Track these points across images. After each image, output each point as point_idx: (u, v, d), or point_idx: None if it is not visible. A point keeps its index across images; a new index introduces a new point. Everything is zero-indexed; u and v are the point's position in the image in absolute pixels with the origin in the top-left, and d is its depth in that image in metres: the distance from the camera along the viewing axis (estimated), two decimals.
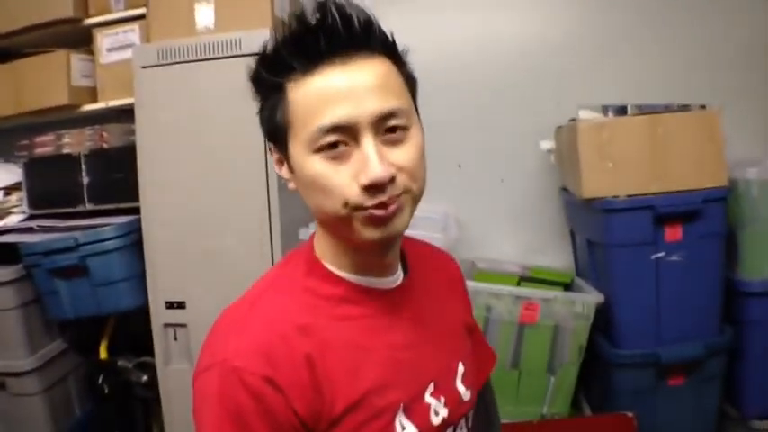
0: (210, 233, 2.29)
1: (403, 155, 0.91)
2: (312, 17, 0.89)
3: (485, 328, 2.23)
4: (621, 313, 2.29)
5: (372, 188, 0.88)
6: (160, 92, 2.32)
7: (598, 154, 2.21)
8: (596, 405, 2.42)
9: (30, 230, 2.52)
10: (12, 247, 2.44)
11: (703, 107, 2.34)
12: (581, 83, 2.76)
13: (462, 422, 1.11)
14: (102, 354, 2.59)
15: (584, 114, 2.41)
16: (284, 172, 1.00)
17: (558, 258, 2.80)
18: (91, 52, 2.60)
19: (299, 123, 0.91)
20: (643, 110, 2.38)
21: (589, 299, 2.28)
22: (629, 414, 2.14)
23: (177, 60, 2.29)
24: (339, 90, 0.88)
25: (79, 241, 2.34)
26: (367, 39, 0.91)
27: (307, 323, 0.94)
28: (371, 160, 0.87)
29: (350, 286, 1.01)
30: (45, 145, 2.58)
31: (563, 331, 2.27)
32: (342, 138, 0.88)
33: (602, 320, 2.32)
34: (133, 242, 2.40)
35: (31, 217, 2.62)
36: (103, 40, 2.54)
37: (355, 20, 0.90)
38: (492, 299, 2.26)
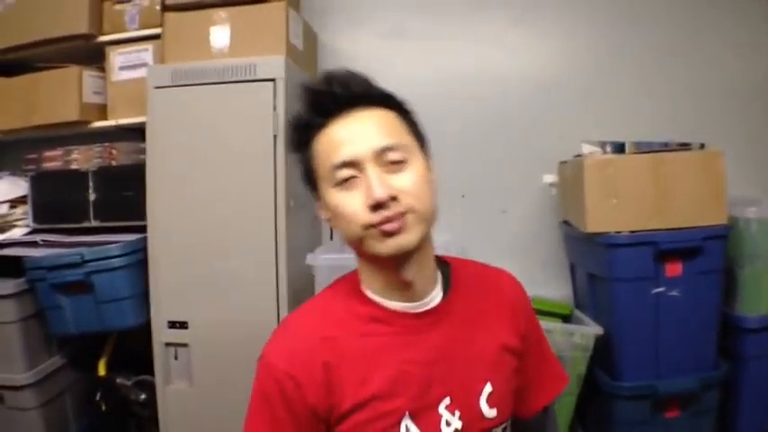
0: (216, 255, 2.31)
1: (402, 180, 1.11)
2: (319, 86, 1.16)
3: None
4: (620, 346, 2.30)
5: (377, 207, 1.08)
6: (172, 112, 2.34)
7: (603, 190, 2.23)
8: None
9: (33, 244, 2.50)
10: (14, 260, 2.42)
11: (702, 146, 2.37)
12: (582, 118, 2.81)
13: None
14: (101, 370, 2.57)
15: (586, 149, 2.44)
16: (323, 213, 1.22)
17: (557, 290, 2.80)
18: (103, 69, 2.61)
19: (322, 166, 1.15)
20: (641, 147, 2.40)
21: (588, 330, 2.29)
22: None
23: (191, 82, 2.32)
24: (345, 135, 1.13)
25: (85, 257, 2.33)
26: (365, 96, 1.16)
27: (331, 335, 1.18)
28: (373, 184, 1.08)
29: (379, 308, 1.21)
30: (53, 159, 2.58)
31: (562, 362, 2.23)
32: (351, 172, 1.11)
33: (601, 353, 2.33)
34: (138, 260, 2.40)
35: (35, 231, 2.61)
36: (116, 58, 2.56)
37: (353, 85, 1.15)
38: None
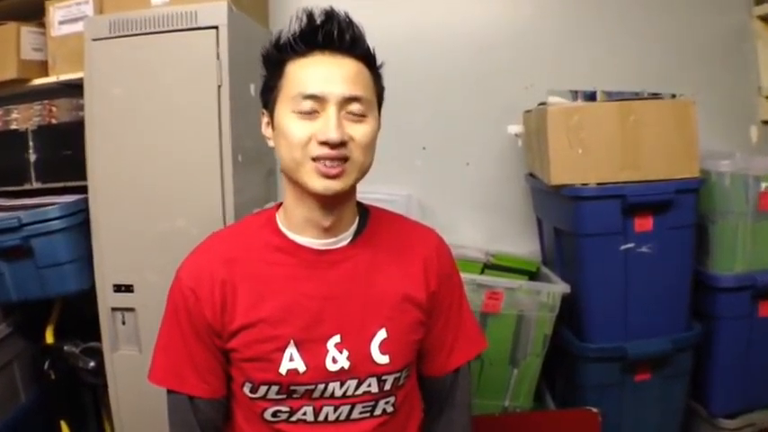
0: (161, 214, 2.13)
1: (357, 130, 1.17)
2: (318, 18, 1.18)
3: None
4: (588, 305, 2.16)
5: (325, 144, 1.12)
6: (111, 66, 2.14)
7: (567, 140, 2.07)
8: (560, 399, 2.30)
9: None
10: None
11: (674, 96, 2.21)
12: (552, 67, 2.64)
13: (373, 381, 1.25)
14: (49, 338, 2.40)
15: (553, 100, 2.27)
16: (269, 132, 1.26)
17: (523, 246, 2.66)
18: (43, 25, 2.41)
19: (288, 88, 1.18)
20: (613, 97, 2.24)
21: (555, 289, 2.14)
22: (594, 410, 2.01)
23: (130, 33, 2.12)
24: (321, 71, 1.17)
25: (23, 221, 2.15)
26: (352, 47, 1.18)
27: (234, 257, 1.25)
28: (330, 123, 1.12)
29: (287, 240, 1.26)
30: None
31: (527, 322, 2.14)
32: (314, 105, 1.14)
33: (568, 312, 2.19)
34: (80, 222, 2.21)
35: None
36: (56, 12, 2.35)
37: (348, 32, 1.18)
38: None
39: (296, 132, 1.14)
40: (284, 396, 1.23)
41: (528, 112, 2.41)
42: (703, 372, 2.25)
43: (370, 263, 1.28)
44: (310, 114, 1.14)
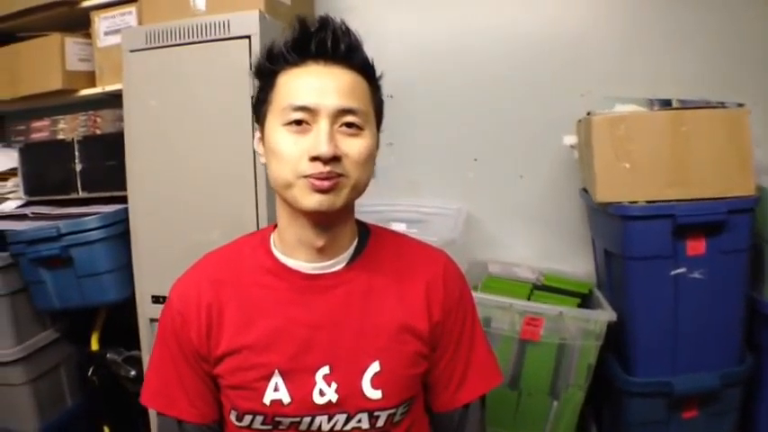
0: (196, 225, 2.06)
1: (351, 145, 1.09)
2: (312, 25, 1.10)
3: None
4: (634, 335, 1.96)
5: (316, 160, 1.05)
6: (148, 77, 2.10)
7: (614, 152, 1.89)
8: None
9: (24, 217, 2.36)
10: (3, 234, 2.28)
11: (723, 105, 2.00)
12: (610, 73, 2.42)
13: (364, 417, 1.17)
14: (94, 345, 2.42)
15: (622, 108, 2.07)
16: (260, 148, 1.18)
17: (578, 265, 2.45)
18: (89, 36, 2.41)
19: (278, 101, 1.10)
20: (687, 105, 2.03)
21: (599, 317, 1.96)
22: None
23: (165, 44, 2.07)
24: (314, 82, 1.09)
25: (62, 231, 2.15)
26: (348, 57, 1.11)
27: (222, 279, 1.20)
28: (321, 138, 1.05)
29: (278, 263, 1.20)
30: (41, 130, 2.43)
31: (570, 350, 1.97)
32: (305, 117, 1.07)
33: (615, 340, 2.01)
34: (120, 233, 2.20)
35: (28, 204, 2.46)
36: (101, 22, 2.34)
37: (343, 41, 1.10)
38: (492, 310, 1.98)
39: (286, 148, 1.07)
40: (269, 427, 1.17)
41: (579, 121, 2.22)
42: (752, 408, 2.03)
43: (366, 288, 1.20)
44: (301, 128, 1.07)
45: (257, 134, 1.19)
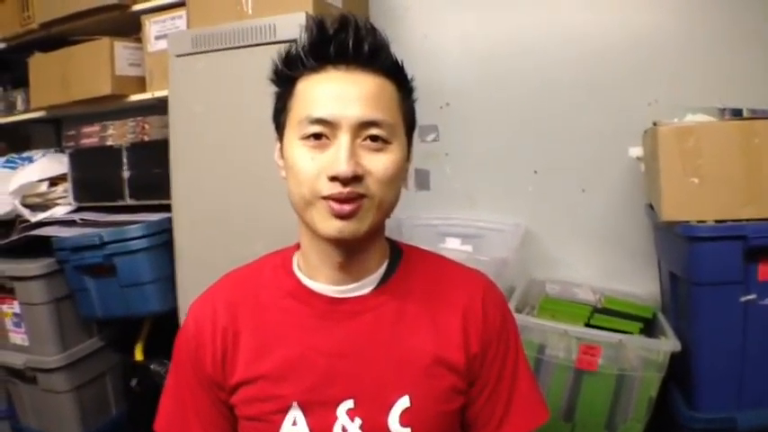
0: (239, 237, 1.96)
1: (376, 162, 0.96)
2: (331, 27, 0.97)
3: (536, 370, 1.77)
4: (699, 366, 1.73)
5: (335, 180, 0.93)
6: (193, 82, 2.03)
7: (682, 167, 1.67)
8: None
9: (72, 223, 2.30)
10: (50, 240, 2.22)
11: None
12: (680, 80, 2.17)
13: None
14: (138, 356, 2.34)
15: (694, 119, 1.89)
16: (281, 160, 1.06)
17: (642, 285, 2.22)
18: (140, 40, 2.34)
19: (295, 111, 0.99)
20: (758, 115, 1.83)
21: (662, 347, 1.74)
22: None
23: (211, 48, 1.99)
24: (333, 91, 0.96)
25: (104, 239, 2.08)
26: (372, 60, 0.98)
27: (240, 302, 1.09)
28: (341, 155, 0.93)
29: (300, 285, 1.08)
30: (90, 136, 2.36)
31: (629, 381, 1.76)
32: (324, 131, 0.95)
33: (680, 370, 1.79)
34: (163, 242, 2.12)
35: (78, 209, 2.40)
36: (152, 27, 2.27)
37: (366, 42, 0.97)
38: (547, 336, 1.80)
39: (303, 165, 0.95)
40: None
41: (646, 132, 2.00)
42: None
43: (396, 315, 1.06)
44: (319, 143, 0.95)
45: (277, 145, 1.08)
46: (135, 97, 2.35)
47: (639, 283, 2.24)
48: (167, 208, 2.18)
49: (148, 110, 2.39)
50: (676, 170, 1.68)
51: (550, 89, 2.33)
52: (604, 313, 2.02)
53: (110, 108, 2.42)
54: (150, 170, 2.26)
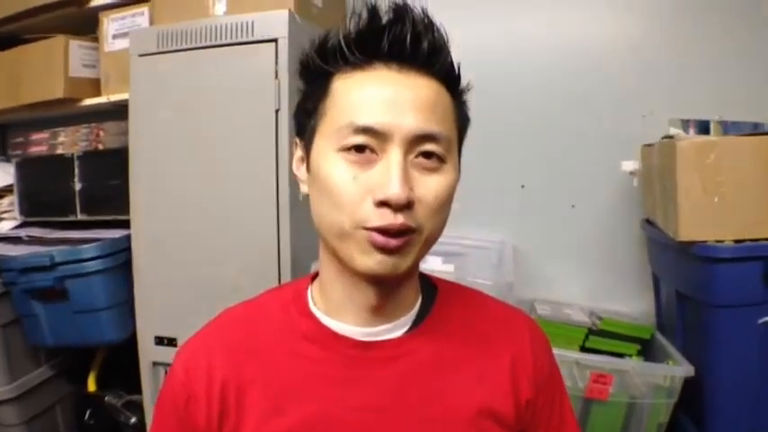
0: (209, 259, 1.73)
1: (428, 185, 0.77)
2: (385, 15, 0.78)
3: None
4: (713, 390, 1.59)
5: (385, 206, 0.73)
6: (159, 85, 1.77)
7: (702, 184, 1.51)
8: None
9: (18, 240, 2.01)
10: None
11: None
12: (674, 93, 2.05)
13: None
14: (91, 387, 2.06)
15: (673, 130, 1.77)
16: (302, 172, 0.87)
17: (634, 304, 2.08)
18: (97, 39, 2.06)
19: (333, 115, 0.78)
20: (727, 128, 1.75)
21: (676, 372, 1.59)
22: None
23: (179, 48, 1.74)
24: (384, 94, 0.76)
25: (55, 260, 1.80)
26: (429, 61, 0.78)
27: (244, 347, 0.87)
28: (393, 176, 0.73)
29: (320, 326, 0.87)
30: (40, 143, 2.08)
31: (639, 408, 1.61)
32: (371, 143, 0.75)
33: (689, 394, 1.64)
34: (121, 263, 1.85)
35: (24, 224, 2.11)
36: (110, 24, 2.00)
37: (427, 38, 0.78)
38: None
39: (343, 185, 0.75)
40: None
41: (648, 146, 1.85)
42: None
43: (435, 360, 0.87)
44: (363, 157, 0.75)
45: (298, 152, 0.87)
46: (89, 101, 2.06)
47: (632, 303, 2.10)
48: (124, 224, 1.92)
49: (103, 115, 2.12)
50: (696, 188, 1.51)
51: (540, 101, 2.18)
52: (600, 335, 1.87)
53: (61, 113, 2.13)
54: (105, 182, 1.99)
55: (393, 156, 0.74)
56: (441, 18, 0.79)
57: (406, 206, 0.74)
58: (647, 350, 1.87)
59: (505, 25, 2.20)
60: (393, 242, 0.74)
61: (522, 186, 2.21)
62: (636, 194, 2.05)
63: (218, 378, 0.84)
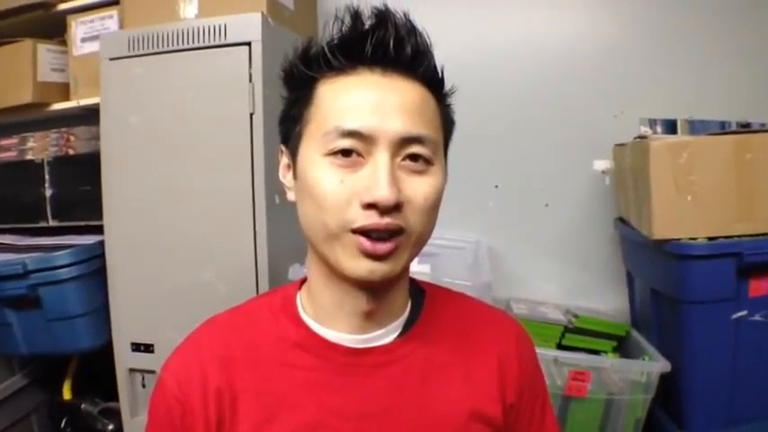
0: (184, 264, 1.67)
1: (416, 187, 0.76)
2: (368, 20, 0.77)
3: None
4: (689, 385, 1.63)
5: (372, 208, 0.72)
6: (130, 89, 1.71)
7: (675, 183, 1.52)
8: None
9: None
10: None
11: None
12: (646, 93, 2.06)
13: None
14: (66, 394, 1.99)
15: (644, 129, 1.78)
16: (288, 179, 0.86)
17: (609, 302, 2.10)
18: (65, 43, 1.99)
19: (319, 121, 0.77)
20: (695, 128, 1.77)
21: (653, 368, 1.61)
22: None
23: (150, 51, 1.68)
24: (370, 97, 0.76)
25: (28, 267, 1.72)
26: (413, 65, 0.78)
27: (234, 356, 0.84)
28: (381, 179, 0.72)
29: (310, 333, 0.85)
30: (8, 149, 1.99)
31: (617, 404, 1.63)
32: (357, 146, 0.74)
33: (665, 390, 1.67)
34: (95, 270, 1.78)
35: None
36: (78, 27, 1.93)
37: (410, 42, 0.77)
38: None
39: (329, 188, 0.74)
40: None
41: (621, 145, 1.85)
42: None
43: (426, 365, 0.86)
44: (350, 160, 0.74)
45: (284, 160, 0.86)
46: (58, 106, 1.99)
47: (606, 300, 2.11)
48: (96, 229, 1.85)
49: (73, 120, 2.04)
50: (669, 187, 1.53)
51: (513, 102, 2.17)
52: (576, 333, 1.88)
53: (30, 118, 2.06)
54: (76, 187, 1.92)
55: (380, 159, 0.74)
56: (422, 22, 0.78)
57: (394, 208, 0.73)
58: (623, 347, 1.88)
59: (478, 27, 2.18)
60: (381, 248, 0.73)
61: (496, 186, 2.20)
62: (608, 193, 2.05)
63: (212, 388, 0.82)
